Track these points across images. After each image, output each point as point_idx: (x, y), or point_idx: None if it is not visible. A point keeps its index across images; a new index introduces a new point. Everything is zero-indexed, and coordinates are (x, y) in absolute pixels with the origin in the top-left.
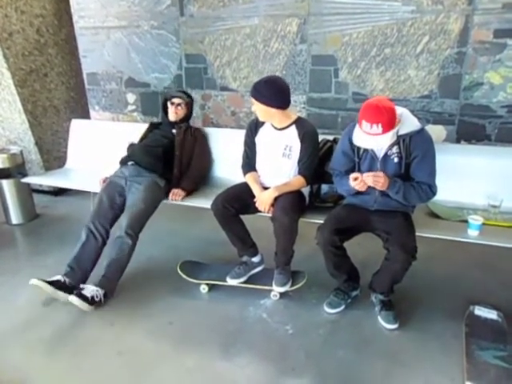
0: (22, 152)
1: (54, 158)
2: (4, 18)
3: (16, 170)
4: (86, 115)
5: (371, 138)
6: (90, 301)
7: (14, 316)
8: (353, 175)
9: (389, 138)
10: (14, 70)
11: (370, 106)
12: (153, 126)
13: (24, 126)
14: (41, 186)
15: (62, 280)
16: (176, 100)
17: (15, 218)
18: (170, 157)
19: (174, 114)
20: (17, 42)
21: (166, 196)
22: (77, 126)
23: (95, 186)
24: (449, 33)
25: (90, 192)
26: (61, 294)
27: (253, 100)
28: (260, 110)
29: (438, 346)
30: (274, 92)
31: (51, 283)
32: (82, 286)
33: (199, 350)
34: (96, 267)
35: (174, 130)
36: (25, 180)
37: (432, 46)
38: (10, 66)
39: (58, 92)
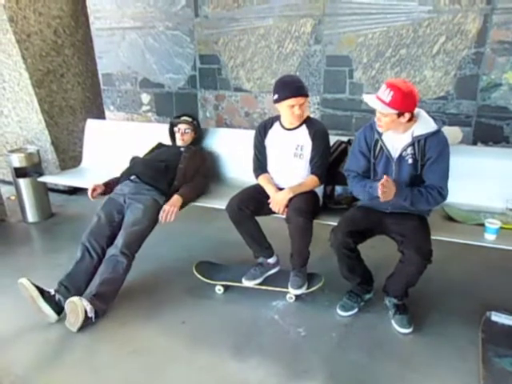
0: (38, 151)
1: (69, 157)
2: (23, 19)
3: (33, 169)
4: (101, 115)
5: (377, 100)
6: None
7: (29, 312)
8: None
9: (388, 119)
10: (32, 70)
11: (398, 78)
12: (160, 145)
13: (41, 126)
14: (56, 185)
15: (52, 293)
16: (182, 126)
17: (31, 216)
18: (173, 173)
19: (181, 141)
20: (35, 43)
21: None
22: (92, 125)
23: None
24: (466, 33)
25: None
26: (43, 306)
27: (300, 99)
28: (304, 105)
29: (453, 351)
30: (303, 82)
31: (40, 290)
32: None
33: (211, 350)
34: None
35: (182, 149)
36: (41, 179)
37: (449, 46)
38: (28, 66)
39: (74, 92)
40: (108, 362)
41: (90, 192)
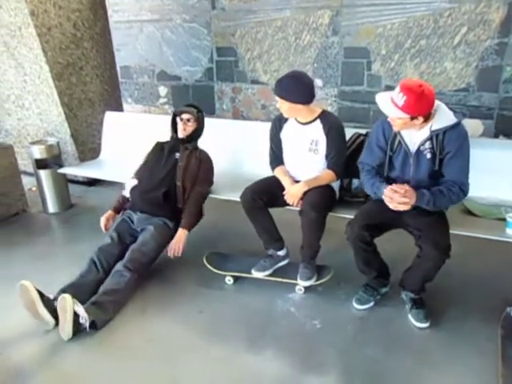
0: (58, 143)
1: (88, 149)
2: (44, 13)
3: (53, 161)
4: (119, 108)
5: (389, 103)
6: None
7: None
8: (393, 188)
9: (400, 121)
10: (52, 63)
11: (413, 79)
12: (158, 148)
13: (60, 118)
14: (75, 176)
15: (52, 298)
16: (185, 115)
17: (52, 206)
18: (174, 193)
19: (182, 131)
20: (55, 36)
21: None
22: (110, 118)
23: (127, 177)
24: (489, 23)
25: (122, 183)
26: (42, 311)
27: (278, 98)
28: (286, 107)
29: (471, 347)
30: (299, 88)
31: (40, 294)
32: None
33: (227, 340)
34: None
35: (177, 154)
36: (61, 170)
37: (470, 36)
38: (48, 59)
39: (93, 85)
40: (126, 349)
41: (103, 227)
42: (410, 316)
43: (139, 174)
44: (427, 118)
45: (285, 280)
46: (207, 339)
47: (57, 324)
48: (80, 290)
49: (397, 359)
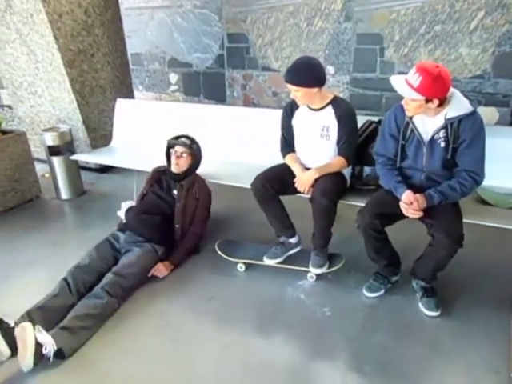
0: (70, 130)
1: (100, 136)
2: None
3: (65, 148)
4: (130, 95)
5: (404, 83)
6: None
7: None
8: (410, 199)
9: (415, 104)
10: (64, 50)
11: (429, 62)
12: (155, 177)
13: (72, 105)
14: (87, 163)
15: (12, 325)
16: (178, 149)
17: (64, 193)
18: (170, 223)
19: (175, 166)
20: (66, 23)
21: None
22: (122, 105)
23: (138, 164)
24: (508, 7)
25: (133, 170)
26: None
27: (291, 86)
28: (301, 94)
29: (482, 336)
30: (311, 71)
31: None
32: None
33: (238, 326)
34: None
35: (175, 192)
36: (73, 157)
37: (487, 21)
38: (59, 46)
39: (104, 72)
40: (137, 335)
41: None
42: (420, 305)
43: (137, 202)
44: (442, 102)
45: (296, 267)
46: (218, 325)
47: (13, 354)
48: (48, 314)
49: (407, 347)
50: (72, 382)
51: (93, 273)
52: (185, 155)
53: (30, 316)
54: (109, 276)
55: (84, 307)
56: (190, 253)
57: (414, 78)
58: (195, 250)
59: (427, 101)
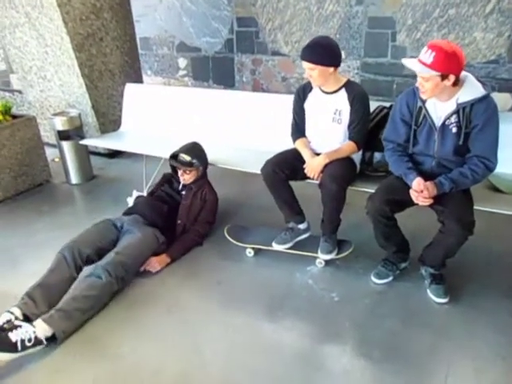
0: (80, 115)
1: (109, 121)
2: None
3: (75, 132)
4: (139, 80)
5: (417, 62)
6: (12, 347)
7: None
8: (420, 187)
9: (430, 83)
10: (73, 34)
11: (441, 39)
12: (165, 180)
13: (81, 90)
14: (97, 148)
15: (7, 319)
16: (181, 167)
17: (74, 178)
18: (174, 216)
19: (182, 180)
20: (75, 6)
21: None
22: (131, 90)
23: (147, 149)
24: None
25: (142, 155)
26: None
27: (307, 64)
28: (317, 73)
29: (490, 323)
30: (328, 50)
31: None
32: (18, 323)
33: (246, 310)
34: None
35: (183, 192)
36: (83, 142)
37: (505, 4)
38: (68, 30)
39: (113, 56)
40: (147, 319)
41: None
42: (429, 291)
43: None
44: (457, 81)
45: (305, 253)
46: (227, 308)
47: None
48: (48, 291)
49: (414, 333)
50: (82, 364)
51: (90, 245)
52: (188, 171)
53: (30, 296)
54: (111, 255)
55: (82, 288)
56: (189, 249)
57: (427, 55)
58: (190, 249)
59: (443, 78)
